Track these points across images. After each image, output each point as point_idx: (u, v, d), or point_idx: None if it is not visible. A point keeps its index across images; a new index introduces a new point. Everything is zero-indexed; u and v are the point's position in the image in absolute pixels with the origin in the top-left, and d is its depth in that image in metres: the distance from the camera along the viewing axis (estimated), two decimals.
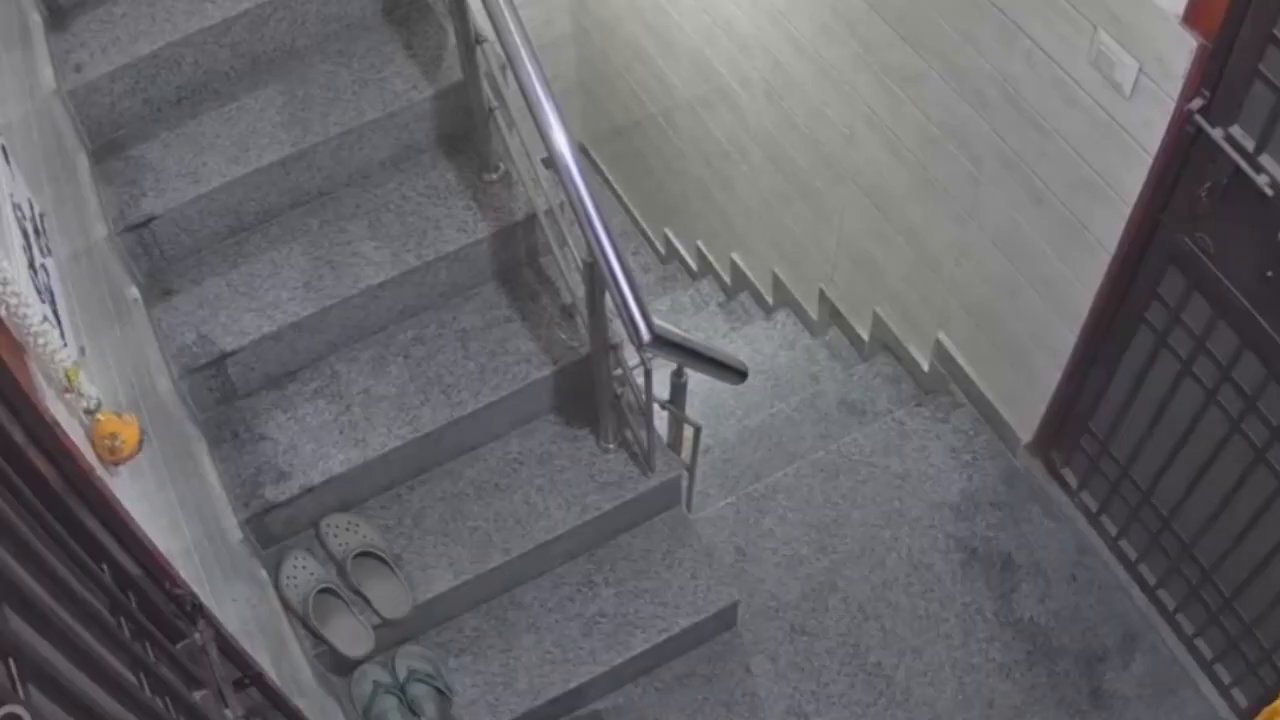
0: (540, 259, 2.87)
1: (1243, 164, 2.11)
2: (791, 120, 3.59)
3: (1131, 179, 2.37)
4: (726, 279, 4.70)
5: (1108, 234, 2.51)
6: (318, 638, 2.59)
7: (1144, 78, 2.20)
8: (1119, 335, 2.69)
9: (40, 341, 1.42)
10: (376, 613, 2.64)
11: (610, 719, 2.91)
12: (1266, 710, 1.76)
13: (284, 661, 2.28)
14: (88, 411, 1.53)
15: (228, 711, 1.42)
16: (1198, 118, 2.16)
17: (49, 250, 1.69)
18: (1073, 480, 3.16)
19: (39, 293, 1.50)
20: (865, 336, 3.80)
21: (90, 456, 1.51)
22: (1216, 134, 2.14)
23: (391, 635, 2.70)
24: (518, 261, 2.86)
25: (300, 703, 1.92)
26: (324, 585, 2.60)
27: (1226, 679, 2.90)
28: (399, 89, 2.71)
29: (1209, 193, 2.24)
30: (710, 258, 4.81)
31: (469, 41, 2.50)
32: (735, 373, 2.62)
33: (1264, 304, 2.27)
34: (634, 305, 2.21)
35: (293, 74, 2.74)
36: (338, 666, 2.68)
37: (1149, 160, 2.30)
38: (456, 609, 2.80)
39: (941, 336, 3.37)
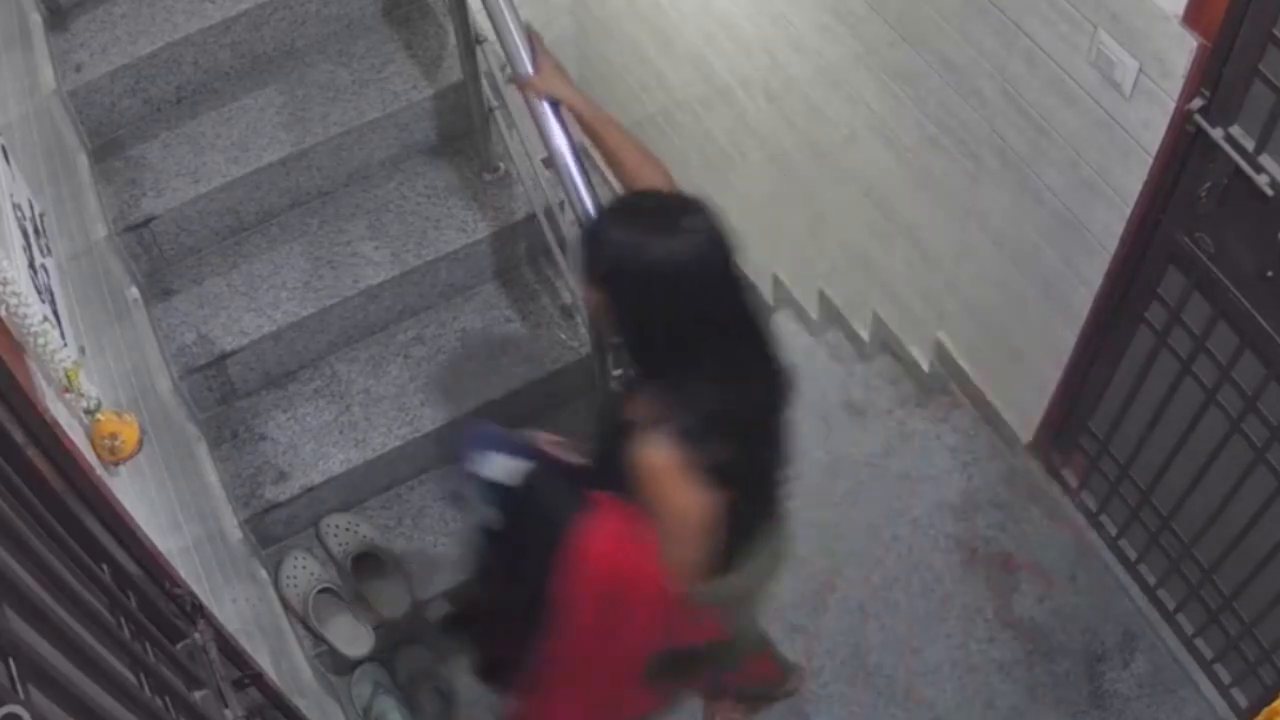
0: (540, 259, 2.87)
1: (1243, 164, 2.11)
2: (791, 120, 3.59)
3: (1131, 179, 2.37)
4: None
5: (1108, 234, 2.51)
6: (318, 638, 2.59)
7: (1144, 78, 2.20)
8: (1119, 335, 2.69)
9: (40, 341, 1.42)
10: (376, 613, 2.64)
11: None
12: (1266, 710, 1.75)
13: (284, 661, 2.28)
14: (88, 411, 1.53)
15: (228, 711, 1.42)
16: (1197, 117, 2.15)
17: (49, 250, 1.69)
18: (1073, 480, 3.16)
19: (39, 293, 1.50)
20: (865, 336, 3.79)
21: (90, 456, 1.50)
22: (1216, 134, 2.14)
23: (391, 635, 2.70)
24: (518, 261, 2.86)
25: (300, 703, 1.91)
26: (324, 585, 2.60)
27: (1226, 679, 2.90)
28: (399, 89, 2.71)
29: (1209, 193, 2.24)
30: None
31: (469, 41, 2.50)
32: None
33: (1264, 304, 2.27)
34: None
35: (293, 74, 2.74)
36: (338, 666, 2.68)
37: (1149, 160, 2.30)
38: None
39: (941, 336, 3.37)
